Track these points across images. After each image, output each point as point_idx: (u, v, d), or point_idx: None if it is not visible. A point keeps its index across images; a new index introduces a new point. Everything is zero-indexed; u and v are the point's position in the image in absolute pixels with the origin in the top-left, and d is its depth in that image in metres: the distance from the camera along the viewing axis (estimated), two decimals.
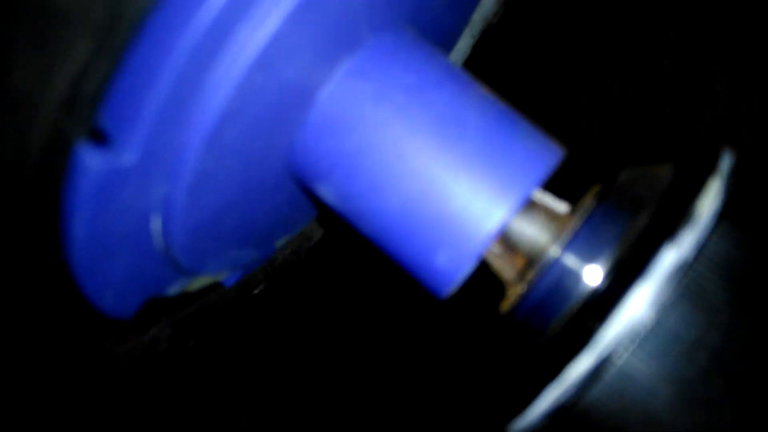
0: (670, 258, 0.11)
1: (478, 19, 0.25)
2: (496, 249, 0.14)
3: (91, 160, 0.10)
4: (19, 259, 0.11)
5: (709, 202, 0.11)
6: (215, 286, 0.21)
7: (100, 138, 0.10)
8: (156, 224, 0.13)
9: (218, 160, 0.12)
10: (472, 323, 0.16)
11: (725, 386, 0.10)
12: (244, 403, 0.56)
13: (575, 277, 0.12)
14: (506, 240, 0.14)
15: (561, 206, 0.14)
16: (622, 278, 0.11)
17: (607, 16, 0.31)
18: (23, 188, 0.10)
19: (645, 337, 0.11)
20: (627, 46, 0.31)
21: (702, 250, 0.11)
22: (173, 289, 0.16)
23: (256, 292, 0.27)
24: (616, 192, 0.13)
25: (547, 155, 0.14)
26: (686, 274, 0.11)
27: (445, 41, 0.20)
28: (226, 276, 0.19)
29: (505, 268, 0.14)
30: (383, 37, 0.14)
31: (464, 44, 0.25)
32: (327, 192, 0.14)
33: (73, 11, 0.08)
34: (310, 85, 0.13)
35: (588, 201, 0.13)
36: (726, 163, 0.12)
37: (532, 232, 0.14)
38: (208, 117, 0.11)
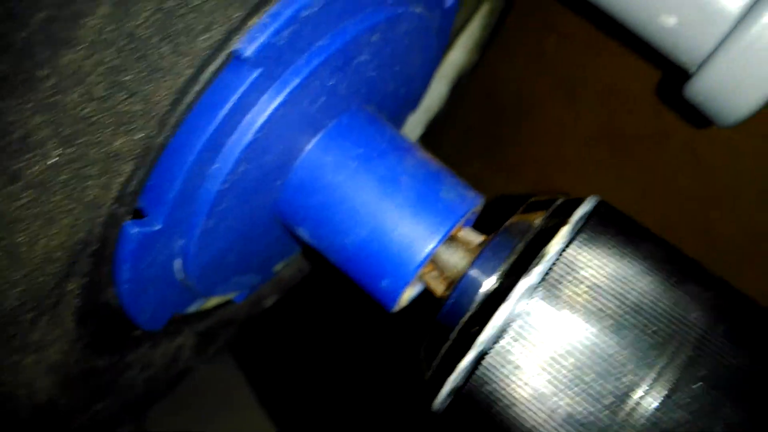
0: (523, 285, 0.16)
1: (450, 70, 0.30)
2: (429, 272, 0.19)
3: (132, 230, 0.16)
4: (87, 297, 0.17)
5: (556, 244, 0.16)
6: (228, 303, 0.26)
7: (139, 215, 0.16)
8: (177, 264, 0.18)
9: (218, 220, 0.17)
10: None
11: (573, 366, 0.15)
12: (259, 398, 0.62)
13: (474, 288, 0.17)
14: (435, 264, 0.19)
15: (477, 238, 0.19)
16: (496, 297, 0.16)
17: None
18: (91, 252, 0.15)
19: (512, 335, 0.16)
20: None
21: (545, 277, 0.16)
22: (192, 308, 0.22)
23: (268, 304, 0.32)
24: (509, 230, 0.18)
25: (464, 203, 0.19)
26: (543, 285, 0.16)
27: (406, 104, 0.24)
28: (236, 296, 0.24)
29: (437, 286, 0.19)
30: (342, 118, 0.19)
31: (439, 90, 0.30)
32: (303, 234, 0.20)
33: (123, 150, 0.13)
34: (286, 163, 0.18)
35: (492, 235, 0.18)
36: (576, 216, 0.17)
37: (452, 258, 0.19)
38: (209, 196, 0.16)
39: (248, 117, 0.16)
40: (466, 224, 0.20)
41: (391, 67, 0.20)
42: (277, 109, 0.16)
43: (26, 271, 0.14)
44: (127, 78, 0.12)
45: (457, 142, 0.37)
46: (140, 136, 0.14)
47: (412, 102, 0.24)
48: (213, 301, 0.23)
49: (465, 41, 0.27)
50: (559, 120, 0.37)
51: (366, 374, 0.55)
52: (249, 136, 0.16)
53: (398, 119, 0.24)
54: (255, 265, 0.22)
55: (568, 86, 0.36)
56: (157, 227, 0.16)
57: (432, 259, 0.19)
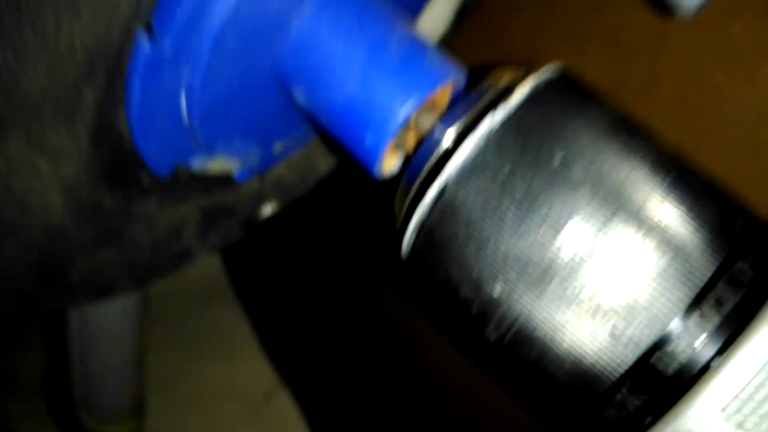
0: (486, 125, 0.18)
1: None
2: (407, 131, 0.21)
3: (145, 47, 0.18)
4: (101, 115, 0.19)
5: (519, 92, 0.18)
6: (232, 185, 0.28)
7: (151, 31, 0.18)
8: (182, 101, 0.20)
9: (223, 59, 0.19)
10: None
11: (516, 199, 0.17)
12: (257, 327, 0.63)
13: (437, 138, 0.19)
14: (416, 131, 0.21)
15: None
16: (458, 139, 0.18)
17: None
18: (108, 63, 0.18)
19: (468, 173, 0.17)
20: None
21: (507, 122, 0.17)
22: (196, 163, 0.24)
23: (268, 212, 0.34)
24: (485, 86, 0.20)
25: (444, 72, 0.21)
26: (494, 135, 0.17)
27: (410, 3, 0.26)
28: (237, 169, 0.26)
29: (409, 142, 0.21)
30: None
31: (441, 12, 0.32)
32: (299, 94, 0.22)
33: None
34: (285, 18, 0.20)
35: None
36: (542, 74, 0.18)
37: (427, 121, 0.21)
38: (214, 26, 0.18)
39: None
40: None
41: None
42: None
43: (49, 56, 0.16)
44: None
45: None
46: None
47: (410, 4, 0.26)
48: (216, 167, 0.25)
49: None
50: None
51: (371, 326, 0.57)
52: None
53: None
54: (256, 131, 0.24)
55: (574, 37, 0.38)
56: (167, 51, 0.18)
57: (412, 124, 0.21)
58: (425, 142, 0.19)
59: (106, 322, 0.38)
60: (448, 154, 0.18)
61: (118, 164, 0.21)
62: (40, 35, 0.15)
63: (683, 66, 0.34)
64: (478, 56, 0.41)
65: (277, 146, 0.27)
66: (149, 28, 0.18)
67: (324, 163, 0.34)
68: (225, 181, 0.27)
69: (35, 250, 0.22)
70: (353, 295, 0.58)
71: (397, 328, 0.54)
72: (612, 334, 0.16)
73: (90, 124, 0.19)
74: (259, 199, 0.32)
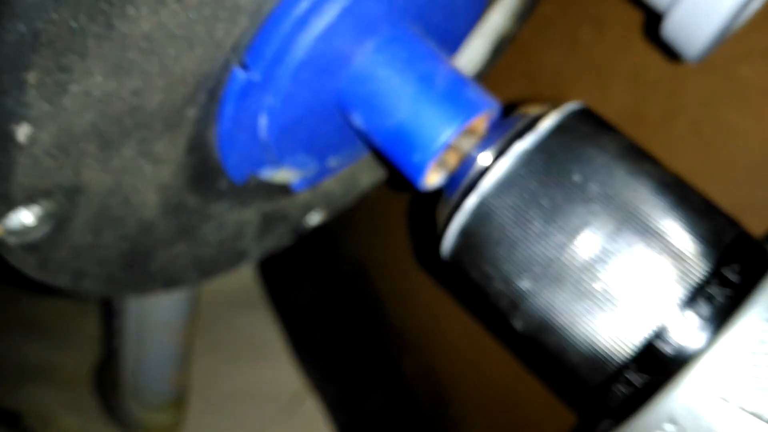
0: (518, 148, 0.21)
1: (491, 33, 0.36)
2: (449, 152, 0.25)
3: (239, 75, 0.22)
4: (197, 130, 0.23)
5: (547, 122, 0.21)
6: (289, 194, 0.32)
7: (245, 65, 0.22)
8: (263, 121, 0.24)
9: (298, 88, 0.23)
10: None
11: (541, 210, 0.20)
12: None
13: (476, 159, 0.22)
14: (457, 152, 0.25)
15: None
16: (494, 159, 0.21)
17: None
18: (208, 88, 0.22)
19: (501, 187, 0.21)
20: None
21: (535, 146, 0.21)
22: (265, 173, 0.28)
23: (315, 220, 0.38)
24: (517, 116, 0.23)
25: (482, 103, 0.24)
26: (524, 157, 0.21)
27: (447, 40, 0.30)
28: (296, 180, 0.30)
29: (452, 163, 0.25)
30: (396, 28, 0.25)
31: (478, 49, 0.36)
32: (356, 118, 0.26)
33: (243, 4, 0.20)
34: (349, 56, 0.24)
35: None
36: (566, 109, 0.22)
37: (466, 144, 0.24)
38: (294, 63, 0.22)
39: (330, 6, 0.22)
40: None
41: (437, 3, 0.26)
42: (347, 11, 0.22)
43: (167, 82, 0.20)
44: None
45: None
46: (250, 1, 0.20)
47: (451, 43, 0.30)
48: (279, 177, 0.29)
49: (503, 7, 0.33)
50: (587, 101, 0.43)
51: (398, 340, 0.60)
52: (328, 19, 0.22)
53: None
54: (317, 147, 0.28)
55: (598, 73, 0.42)
56: (257, 78, 0.22)
57: (454, 147, 0.25)
58: (465, 162, 0.23)
59: (162, 315, 0.42)
60: (485, 171, 0.22)
61: (204, 171, 0.25)
62: (162, 66, 0.19)
63: (697, 103, 0.38)
64: (511, 87, 0.45)
65: (332, 161, 0.30)
66: (243, 63, 0.22)
67: (366, 178, 0.38)
68: (284, 189, 0.31)
69: (128, 240, 0.26)
70: (371, 309, 0.61)
71: (418, 343, 0.57)
72: (620, 323, 0.20)
73: (188, 136, 0.23)
74: (309, 208, 0.36)
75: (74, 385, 0.64)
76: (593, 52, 0.42)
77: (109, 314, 0.47)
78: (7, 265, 0.23)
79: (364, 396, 0.66)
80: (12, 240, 0.21)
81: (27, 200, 0.20)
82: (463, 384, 0.55)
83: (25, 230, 0.21)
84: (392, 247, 0.59)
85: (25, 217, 0.21)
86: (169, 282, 0.31)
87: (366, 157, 0.34)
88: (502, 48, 0.36)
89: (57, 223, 0.22)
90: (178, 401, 0.48)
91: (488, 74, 0.38)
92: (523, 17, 0.36)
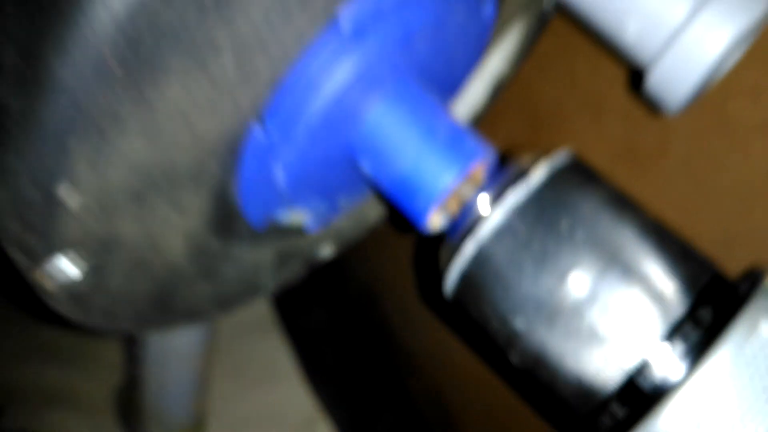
0: (511, 199, 0.23)
1: (490, 77, 0.38)
2: (450, 198, 0.27)
3: (258, 135, 0.24)
4: (220, 181, 0.25)
5: (537, 174, 0.24)
6: (301, 234, 0.34)
7: (263, 124, 0.24)
8: (279, 172, 0.26)
9: (313, 141, 0.26)
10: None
11: (533, 254, 0.23)
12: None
13: (474, 206, 0.24)
14: (458, 198, 0.27)
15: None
16: (491, 208, 0.24)
17: None
18: (230, 144, 0.24)
19: (497, 235, 0.23)
20: None
21: (528, 196, 0.23)
22: (280, 215, 0.30)
23: (325, 254, 0.40)
24: (513, 168, 0.25)
25: (480, 152, 0.27)
26: (517, 206, 0.23)
27: (448, 86, 0.32)
28: (308, 221, 0.32)
29: (454, 208, 0.27)
30: (400, 83, 0.27)
31: (478, 91, 0.38)
32: (365, 165, 0.28)
33: (262, 70, 0.22)
34: (359, 112, 0.26)
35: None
36: (556, 160, 0.24)
37: (467, 191, 0.26)
38: (309, 121, 0.25)
39: (339, 70, 0.24)
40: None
41: (439, 56, 0.29)
42: (357, 72, 0.25)
43: (194, 143, 0.23)
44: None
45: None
46: (269, 68, 0.22)
47: (451, 88, 0.32)
48: (293, 218, 0.31)
49: (501, 52, 0.35)
50: (584, 136, 0.45)
51: (407, 362, 0.61)
52: (337, 82, 0.24)
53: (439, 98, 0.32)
54: (328, 191, 0.30)
55: (593, 108, 0.44)
56: (274, 136, 0.24)
57: (455, 193, 0.27)
58: (465, 209, 0.25)
59: (182, 344, 0.44)
60: (482, 219, 0.24)
61: (225, 217, 0.27)
62: (190, 128, 0.22)
63: (688, 138, 0.40)
64: (510, 120, 0.47)
65: (342, 201, 0.33)
66: (262, 122, 0.24)
67: (374, 213, 0.40)
68: (297, 229, 0.33)
69: (156, 282, 0.28)
70: (382, 332, 0.63)
71: (426, 371, 0.59)
72: (605, 359, 0.22)
73: (211, 188, 0.25)
74: (320, 243, 0.38)
75: (94, 410, 0.66)
76: (589, 88, 0.44)
77: (131, 343, 0.49)
78: (27, 296, 0.25)
79: (375, 417, 0.68)
80: (52, 286, 0.24)
81: (67, 250, 0.23)
82: (470, 404, 0.57)
83: (65, 277, 0.24)
84: (399, 272, 0.61)
85: (65, 265, 0.23)
86: (192, 317, 0.33)
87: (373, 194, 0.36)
88: (500, 89, 0.39)
89: (93, 270, 0.24)
90: (198, 425, 0.50)
91: (487, 110, 0.40)
92: (520, 60, 0.38)
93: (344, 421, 0.69)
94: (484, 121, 0.41)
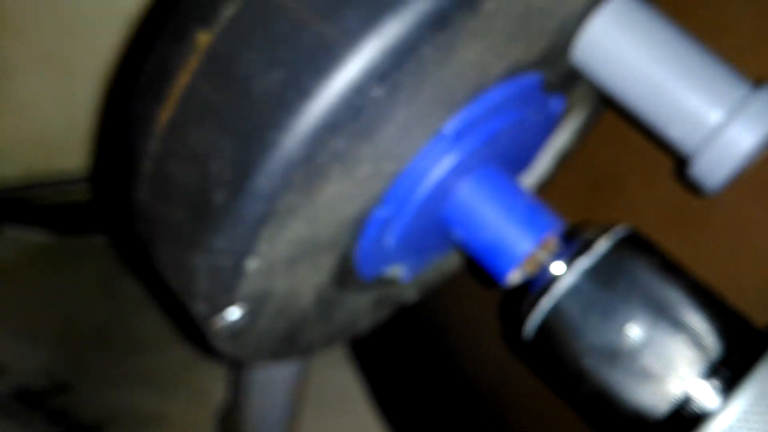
0: (580, 265, 0.30)
1: (556, 151, 0.45)
2: (530, 264, 0.33)
3: (379, 213, 0.31)
4: (345, 248, 0.32)
5: (601, 244, 0.30)
6: (396, 284, 0.41)
7: (382, 205, 0.31)
8: (389, 238, 0.33)
9: (417, 215, 0.33)
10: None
11: (597, 310, 0.29)
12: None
13: (549, 268, 0.31)
14: (533, 259, 0.33)
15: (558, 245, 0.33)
16: (564, 272, 0.30)
17: None
18: (358, 221, 0.31)
19: (568, 293, 0.29)
20: None
21: (593, 263, 0.29)
22: (385, 272, 0.37)
23: (411, 299, 0.47)
24: (579, 237, 0.32)
25: (553, 223, 0.33)
26: (585, 271, 0.29)
27: (522, 164, 0.39)
28: (404, 274, 0.39)
29: (530, 268, 0.33)
30: (485, 170, 0.34)
31: (545, 164, 0.45)
32: (455, 233, 0.35)
33: (385, 173, 0.29)
34: (451, 191, 0.33)
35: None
36: (617, 232, 0.31)
37: (541, 255, 0.33)
38: (417, 203, 0.32)
39: (441, 165, 0.31)
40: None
41: (516, 143, 0.35)
42: (455, 165, 0.31)
43: (336, 223, 0.30)
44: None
45: (556, 207, 0.51)
46: (393, 168, 0.30)
47: (523, 166, 0.39)
48: (393, 272, 0.38)
49: (567, 130, 0.42)
50: (637, 197, 0.51)
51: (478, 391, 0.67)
52: (440, 173, 0.31)
53: (515, 176, 0.39)
54: (423, 250, 0.37)
55: (647, 170, 0.50)
56: (390, 213, 0.32)
57: (530, 256, 0.33)
58: (542, 271, 0.32)
59: (283, 375, 0.51)
60: (556, 280, 0.30)
61: (345, 273, 0.35)
62: (335, 213, 0.29)
63: (730, 204, 0.45)
64: (570, 182, 0.53)
65: (432, 258, 0.39)
66: (383, 204, 0.31)
67: (452, 263, 0.47)
68: (393, 280, 0.40)
69: (290, 324, 0.35)
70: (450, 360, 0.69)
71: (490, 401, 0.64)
72: (656, 392, 0.28)
73: (339, 253, 0.32)
74: (408, 290, 0.45)
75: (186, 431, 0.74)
76: (643, 152, 0.50)
77: (236, 372, 0.57)
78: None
79: None
80: (221, 330, 0.31)
81: (238, 304, 0.30)
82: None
83: (232, 324, 0.31)
84: (464, 312, 0.68)
85: (233, 312, 0.30)
86: (306, 352, 0.40)
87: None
88: (564, 160, 0.45)
89: (251, 316, 0.31)
90: None
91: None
92: (584, 135, 0.44)
93: None
94: (548, 182, 0.48)
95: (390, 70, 0.23)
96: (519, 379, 0.62)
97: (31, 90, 0.71)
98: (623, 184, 0.51)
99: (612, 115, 0.51)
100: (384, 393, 0.79)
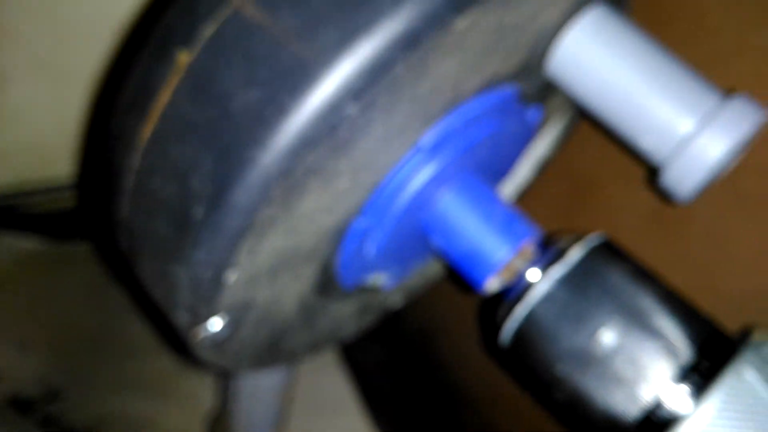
0: (553, 273, 0.30)
1: (535, 159, 0.46)
2: (507, 272, 0.34)
3: (358, 223, 0.32)
4: (326, 258, 0.33)
5: (575, 252, 0.31)
6: (379, 291, 0.42)
7: (362, 215, 0.32)
8: (370, 247, 0.34)
9: (398, 226, 0.33)
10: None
11: (571, 316, 0.30)
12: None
13: (525, 276, 0.32)
14: (509, 267, 0.34)
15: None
16: (538, 279, 0.31)
17: None
18: (337, 232, 0.32)
19: (542, 300, 0.30)
20: None
21: (567, 271, 0.30)
22: (365, 279, 0.38)
23: (396, 305, 0.48)
24: (556, 246, 0.32)
25: (530, 232, 0.34)
26: (559, 279, 0.30)
27: (501, 173, 0.40)
28: (385, 281, 0.40)
29: (507, 275, 0.34)
30: (464, 178, 0.35)
31: (525, 172, 0.46)
32: (435, 241, 0.35)
33: (364, 184, 0.30)
34: (431, 202, 0.34)
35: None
36: (590, 240, 0.31)
37: (518, 263, 0.34)
38: (397, 213, 0.32)
39: (419, 176, 0.32)
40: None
41: (494, 153, 0.36)
42: (433, 176, 0.32)
43: (316, 234, 0.30)
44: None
45: (537, 213, 0.51)
46: (372, 179, 0.30)
47: (502, 174, 0.40)
48: (374, 281, 0.39)
49: (545, 139, 0.43)
50: (617, 202, 0.52)
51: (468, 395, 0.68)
52: (418, 184, 0.32)
53: (494, 185, 0.40)
54: (404, 258, 0.38)
55: (626, 177, 0.51)
56: (370, 223, 0.32)
57: (507, 264, 0.34)
58: (518, 277, 0.33)
59: (270, 382, 0.52)
60: (531, 287, 0.31)
61: (326, 282, 0.35)
62: (314, 224, 0.30)
63: (708, 209, 0.46)
64: (551, 189, 0.54)
65: (413, 265, 0.40)
66: (361, 214, 0.32)
67: (433, 271, 0.48)
68: (376, 288, 0.41)
69: (272, 332, 0.36)
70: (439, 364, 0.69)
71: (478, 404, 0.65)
72: (628, 397, 0.28)
73: (320, 262, 0.33)
74: (392, 297, 0.45)
75: None
76: (621, 159, 0.51)
77: (225, 379, 0.57)
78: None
79: None
80: (203, 340, 0.32)
81: (220, 314, 0.31)
82: None
83: (213, 332, 0.31)
84: (450, 316, 0.68)
85: (215, 324, 0.31)
86: (291, 359, 0.41)
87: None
88: (543, 167, 0.46)
89: (233, 325, 0.32)
90: None
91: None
92: (562, 144, 0.45)
93: None
94: (529, 189, 0.48)
95: (364, 89, 0.24)
96: (507, 383, 0.63)
97: (24, 98, 0.71)
98: (602, 191, 0.51)
99: (591, 123, 0.52)
100: (372, 396, 0.79)
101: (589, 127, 0.52)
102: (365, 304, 0.42)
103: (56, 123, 0.75)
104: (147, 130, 0.28)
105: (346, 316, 0.42)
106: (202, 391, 0.76)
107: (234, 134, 0.25)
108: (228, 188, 0.25)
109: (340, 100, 0.24)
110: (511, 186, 0.44)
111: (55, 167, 0.78)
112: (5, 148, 0.74)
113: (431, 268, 0.46)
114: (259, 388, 0.52)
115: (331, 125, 0.24)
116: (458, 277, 0.37)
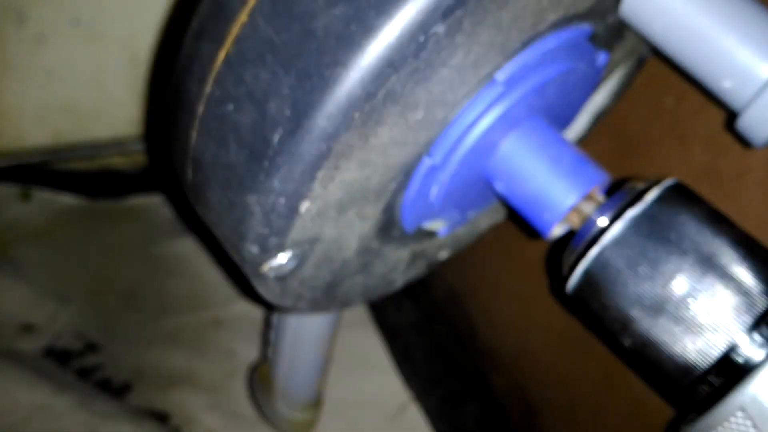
0: (629, 214, 0.30)
1: (593, 110, 0.45)
2: (574, 217, 0.33)
3: (426, 161, 0.31)
4: (391, 197, 0.33)
5: (651, 194, 0.30)
6: (433, 239, 0.41)
7: (430, 155, 0.31)
8: (434, 190, 0.34)
9: (461, 167, 0.33)
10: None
11: (646, 260, 0.29)
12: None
13: (595, 221, 0.31)
14: (578, 212, 0.33)
15: (603, 198, 0.33)
16: (610, 223, 0.30)
17: None
18: (406, 170, 0.31)
19: (617, 242, 0.30)
20: None
21: (642, 213, 0.30)
22: (425, 224, 0.37)
23: (444, 257, 0.47)
24: (627, 189, 0.32)
25: (597, 175, 0.33)
26: (633, 221, 0.29)
27: (564, 120, 0.39)
28: (441, 227, 0.39)
29: (575, 221, 0.33)
30: (532, 120, 0.34)
31: (582, 124, 0.45)
32: (498, 186, 0.35)
33: (436, 119, 0.29)
34: (496, 145, 0.33)
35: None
36: (665, 184, 0.30)
37: (586, 208, 0.33)
38: (462, 152, 0.32)
39: (489, 114, 0.31)
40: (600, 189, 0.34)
41: (560, 98, 0.35)
42: (503, 114, 0.31)
43: (386, 169, 0.30)
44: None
45: None
46: (444, 114, 0.30)
47: (565, 123, 0.39)
48: (433, 226, 0.38)
49: (606, 89, 0.42)
50: (668, 160, 0.51)
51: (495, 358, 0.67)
52: (486, 124, 0.31)
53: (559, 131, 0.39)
54: (464, 204, 0.37)
55: (679, 134, 0.50)
56: (437, 162, 0.32)
57: (575, 209, 0.33)
58: (587, 222, 0.32)
59: (315, 330, 0.52)
60: (605, 230, 0.30)
61: (388, 223, 0.35)
62: (386, 158, 0.29)
63: (764, 163, 0.45)
64: (601, 145, 0.53)
65: (470, 213, 0.40)
66: (429, 153, 0.31)
67: (485, 222, 0.47)
68: (431, 234, 0.40)
69: (332, 273, 0.35)
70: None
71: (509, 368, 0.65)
72: (704, 341, 0.28)
73: (386, 201, 0.33)
74: (442, 247, 0.45)
75: (214, 389, 0.75)
76: (675, 116, 0.50)
77: (267, 327, 0.58)
78: None
79: (460, 407, 0.75)
80: (270, 274, 0.31)
81: (289, 247, 0.30)
82: (550, 397, 0.63)
83: (280, 267, 0.31)
84: (481, 276, 0.68)
85: (283, 258, 0.31)
86: (345, 304, 0.41)
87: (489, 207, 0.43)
88: (600, 119, 0.45)
89: (299, 261, 0.32)
90: (318, 402, 0.58)
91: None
92: (621, 94, 0.44)
93: (432, 408, 0.76)
94: (582, 143, 0.48)
95: (453, 7, 0.23)
96: (537, 341, 0.62)
97: (60, 57, 0.72)
98: (654, 148, 0.50)
99: (643, 80, 0.51)
100: (404, 354, 0.79)
101: (640, 84, 0.50)
102: (417, 252, 0.42)
103: (94, 82, 0.75)
104: (221, 54, 0.27)
105: (398, 262, 0.41)
106: (241, 346, 0.76)
107: (316, 55, 0.25)
108: (308, 112, 0.25)
109: (429, 18, 0.23)
110: (569, 135, 0.43)
111: (93, 126, 0.79)
112: (42, 107, 0.75)
113: (483, 220, 0.46)
114: (305, 335, 0.52)
115: (417, 45, 0.24)
116: (521, 221, 0.37)
